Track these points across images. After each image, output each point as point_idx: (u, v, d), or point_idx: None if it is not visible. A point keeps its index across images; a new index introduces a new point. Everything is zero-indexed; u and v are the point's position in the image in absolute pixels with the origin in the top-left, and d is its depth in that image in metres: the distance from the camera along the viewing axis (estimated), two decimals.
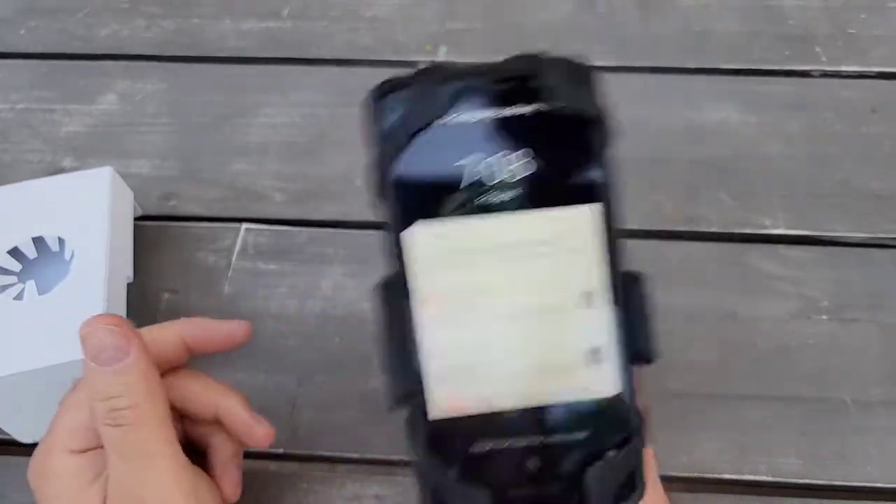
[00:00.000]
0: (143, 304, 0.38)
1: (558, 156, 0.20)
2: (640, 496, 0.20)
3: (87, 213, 0.35)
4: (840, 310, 0.37)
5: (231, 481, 0.29)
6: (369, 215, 0.41)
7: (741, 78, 0.46)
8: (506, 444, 0.20)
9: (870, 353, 0.35)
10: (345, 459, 0.33)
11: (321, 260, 0.40)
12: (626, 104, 0.45)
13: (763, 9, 0.50)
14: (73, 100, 0.47)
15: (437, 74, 0.20)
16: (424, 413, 0.20)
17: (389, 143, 0.20)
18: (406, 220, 0.21)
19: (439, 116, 0.20)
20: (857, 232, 0.40)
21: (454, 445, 0.20)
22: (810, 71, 0.47)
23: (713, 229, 0.40)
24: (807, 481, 0.32)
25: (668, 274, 0.38)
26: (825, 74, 0.46)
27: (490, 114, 0.20)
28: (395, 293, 0.20)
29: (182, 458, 0.26)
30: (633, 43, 0.48)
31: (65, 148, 0.44)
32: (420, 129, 0.20)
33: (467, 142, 0.20)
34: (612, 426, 0.20)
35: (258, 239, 0.40)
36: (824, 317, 0.37)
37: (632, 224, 0.40)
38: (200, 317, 0.30)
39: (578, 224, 0.20)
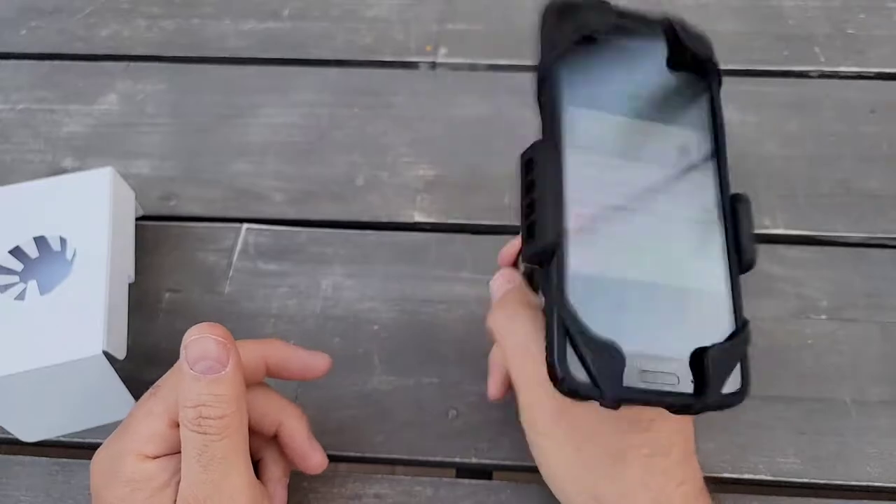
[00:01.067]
0: (144, 304, 0.38)
1: (683, 86, 0.25)
2: (745, 396, 0.22)
3: (88, 213, 0.35)
4: (839, 310, 0.37)
5: (318, 449, 0.30)
6: (369, 215, 0.42)
7: (740, 78, 0.46)
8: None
9: (869, 352, 0.35)
10: (345, 458, 0.34)
11: (321, 260, 0.40)
12: None
13: (762, 9, 0.50)
14: (74, 100, 0.47)
15: (599, 4, 0.24)
16: (564, 271, 0.21)
17: (557, 42, 0.24)
18: (562, 104, 0.23)
19: (600, 31, 0.24)
20: (857, 232, 0.40)
21: (589, 305, 0.21)
22: (809, 71, 0.47)
23: None
24: (806, 480, 0.32)
25: None
26: (824, 75, 0.47)
27: (640, 40, 0.25)
28: (548, 158, 0.22)
29: (252, 473, 0.26)
30: None
31: (65, 148, 0.44)
32: (584, 37, 0.24)
33: (618, 56, 0.24)
34: (718, 320, 0.22)
35: (258, 239, 0.41)
36: (823, 316, 0.37)
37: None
38: (280, 340, 0.30)
39: (695, 143, 0.24)
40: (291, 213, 0.42)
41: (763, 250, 0.39)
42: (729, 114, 0.44)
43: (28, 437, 0.34)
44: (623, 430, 0.26)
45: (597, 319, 0.21)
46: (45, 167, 0.44)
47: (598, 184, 0.23)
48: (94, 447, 0.34)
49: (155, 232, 0.41)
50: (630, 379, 0.21)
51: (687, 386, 0.21)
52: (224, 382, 0.25)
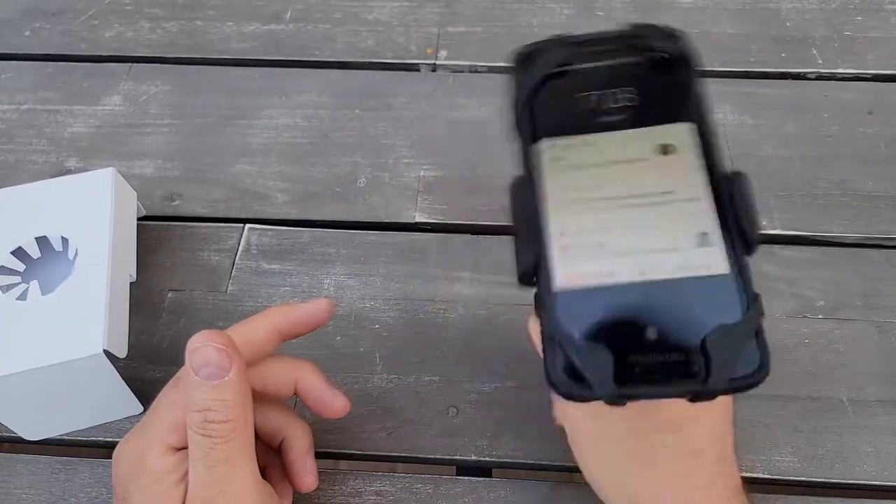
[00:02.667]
0: (146, 303, 0.38)
1: (655, 88, 0.24)
2: (765, 375, 0.21)
3: (90, 213, 0.36)
4: (836, 309, 0.37)
5: (311, 471, 0.30)
6: (370, 216, 0.42)
7: (738, 80, 0.47)
8: (627, 314, 0.22)
9: (865, 352, 0.36)
10: (346, 456, 0.34)
11: (323, 260, 0.40)
12: None
13: (760, 11, 0.50)
14: (78, 101, 0.47)
15: (562, 40, 0.25)
16: (550, 287, 0.23)
17: (526, 83, 0.25)
18: (534, 136, 0.25)
19: (566, 65, 0.25)
20: (853, 232, 0.40)
21: (579, 314, 0.22)
22: (807, 73, 0.47)
23: None
24: (803, 479, 0.32)
25: None
26: (821, 76, 0.47)
27: (604, 62, 0.25)
28: (524, 189, 0.24)
29: (258, 473, 0.27)
30: None
31: (69, 149, 0.45)
32: (550, 74, 0.24)
33: (586, 83, 0.25)
34: (725, 303, 0.22)
35: (261, 239, 0.41)
36: (820, 316, 0.37)
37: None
38: (286, 304, 0.30)
39: (676, 135, 0.24)
40: (293, 214, 0.42)
41: (760, 250, 0.40)
42: (726, 115, 0.45)
43: (30, 435, 0.34)
44: (656, 430, 0.26)
45: (591, 325, 0.22)
46: (49, 167, 0.44)
47: (583, 201, 0.24)
48: (96, 445, 0.35)
49: (158, 232, 0.41)
50: (630, 375, 0.21)
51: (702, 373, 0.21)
52: (228, 388, 0.25)
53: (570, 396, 0.21)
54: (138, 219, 0.40)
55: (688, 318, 0.22)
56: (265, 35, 0.50)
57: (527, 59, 0.25)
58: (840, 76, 0.47)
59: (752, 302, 0.22)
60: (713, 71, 0.47)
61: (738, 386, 0.21)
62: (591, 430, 0.27)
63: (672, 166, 0.24)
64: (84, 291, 0.33)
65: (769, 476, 0.33)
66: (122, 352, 0.33)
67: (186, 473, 0.26)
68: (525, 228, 0.23)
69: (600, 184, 0.24)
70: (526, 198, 0.24)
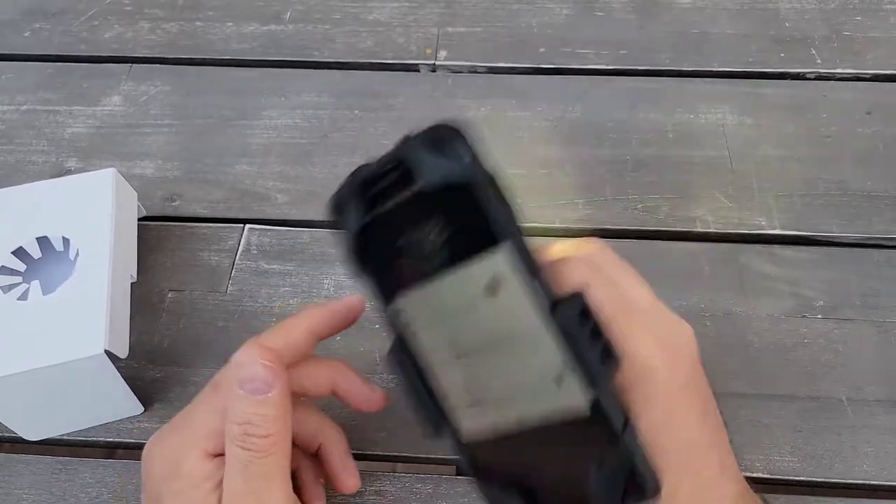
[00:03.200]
0: (147, 303, 0.38)
1: (458, 216, 0.22)
2: (654, 492, 0.21)
3: (91, 213, 0.36)
4: (835, 309, 0.37)
5: (353, 473, 0.31)
6: None
7: (737, 80, 0.47)
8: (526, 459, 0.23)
9: (864, 351, 0.36)
10: None
11: (323, 260, 0.40)
12: (623, 107, 0.46)
13: (759, 11, 0.50)
14: (78, 101, 0.47)
15: (352, 178, 0.24)
16: (458, 439, 0.24)
17: (347, 243, 0.24)
18: (386, 296, 0.24)
19: (365, 213, 0.24)
20: (852, 232, 0.40)
21: (489, 461, 0.24)
22: (806, 73, 0.47)
23: (709, 230, 0.40)
24: (802, 478, 0.32)
25: (665, 274, 0.39)
26: (820, 76, 0.47)
27: (393, 202, 0.23)
28: (401, 355, 0.25)
29: (291, 488, 0.27)
30: (631, 46, 0.49)
31: (69, 149, 0.45)
32: (356, 230, 0.24)
33: (396, 224, 0.23)
34: (599, 434, 0.21)
35: (261, 239, 0.41)
36: (819, 316, 0.37)
37: (629, 224, 0.41)
38: (317, 303, 0.31)
39: (497, 266, 0.22)
40: (293, 214, 0.42)
41: (760, 250, 0.40)
42: (726, 115, 0.45)
43: (31, 435, 0.34)
44: None
45: (503, 470, 0.23)
46: (49, 168, 0.44)
47: (446, 362, 0.24)
48: (96, 446, 0.35)
49: (158, 232, 0.41)
50: None
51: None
52: (270, 404, 0.26)
53: None
54: (138, 219, 0.40)
55: (571, 455, 0.22)
56: (265, 35, 0.50)
57: (336, 212, 0.24)
58: (839, 76, 0.47)
59: (622, 427, 0.21)
60: (712, 71, 0.47)
61: None
62: None
63: (502, 308, 0.22)
64: (85, 292, 0.33)
65: (769, 476, 0.33)
66: (123, 352, 0.33)
67: (221, 482, 0.26)
68: (415, 393, 0.24)
69: (453, 341, 0.23)
70: (405, 366, 0.24)
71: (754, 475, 0.33)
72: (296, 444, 0.30)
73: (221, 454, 0.26)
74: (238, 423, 0.25)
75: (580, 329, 0.21)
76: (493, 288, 0.22)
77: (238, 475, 0.26)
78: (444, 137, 0.22)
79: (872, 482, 0.32)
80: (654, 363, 0.23)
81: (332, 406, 0.35)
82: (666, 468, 0.24)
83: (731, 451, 0.26)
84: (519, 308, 0.21)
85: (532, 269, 0.21)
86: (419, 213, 0.23)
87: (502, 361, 0.22)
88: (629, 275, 0.25)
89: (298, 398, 0.30)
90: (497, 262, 0.21)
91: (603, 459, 0.21)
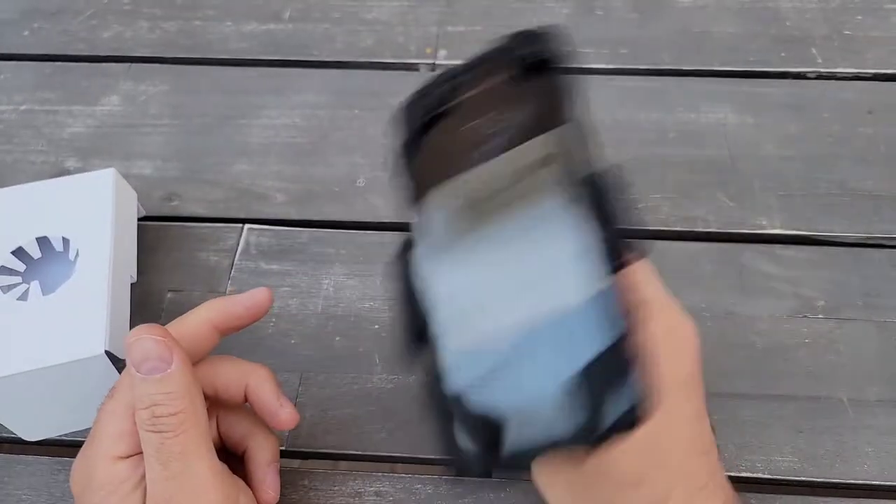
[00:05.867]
0: (146, 304, 0.38)
1: (526, 108, 0.23)
2: (645, 412, 0.20)
3: (90, 213, 0.36)
4: (836, 309, 0.37)
5: (270, 485, 0.29)
6: (370, 216, 0.42)
7: (738, 79, 0.47)
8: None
9: (866, 351, 0.36)
10: (346, 456, 0.34)
11: (322, 260, 0.40)
12: (624, 106, 0.46)
13: (760, 10, 0.50)
14: (77, 101, 0.47)
15: (444, 73, 0.24)
16: (433, 363, 0.22)
17: (408, 132, 0.24)
18: (418, 194, 0.24)
19: (441, 104, 0.23)
20: (853, 232, 0.40)
21: (472, 371, 0.21)
22: (806, 72, 0.47)
23: (710, 229, 0.40)
24: (803, 479, 0.32)
25: (666, 273, 0.38)
26: (821, 76, 0.47)
27: (469, 93, 0.23)
28: (394, 273, 0.24)
29: (218, 464, 0.26)
30: (631, 45, 0.49)
31: (68, 149, 0.45)
32: (424, 118, 0.24)
33: (461, 115, 0.23)
34: (594, 336, 0.20)
35: (260, 239, 0.41)
36: (820, 316, 0.37)
37: (629, 224, 0.41)
38: (222, 297, 0.30)
39: (554, 143, 0.22)
40: (293, 214, 0.42)
41: (761, 250, 0.40)
42: (726, 115, 0.45)
43: (30, 436, 0.34)
44: (613, 490, 0.25)
45: (480, 390, 0.21)
46: (48, 168, 0.44)
47: (463, 263, 0.22)
48: None
49: (157, 232, 0.41)
50: (514, 441, 0.20)
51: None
52: (172, 380, 0.25)
53: (464, 474, 0.22)
54: (137, 219, 0.40)
55: (568, 364, 0.20)
56: (264, 35, 0.50)
57: (407, 111, 0.24)
58: (840, 76, 0.47)
59: (622, 332, 0.20)
60: (713, 70, 0.47)
61: (613, 430, 0.19)
62: (555, 486, 0.26)
63: (538, 184, 0.22)
64: (85, 292, 0.33)
65: (769, 476, 0.33)
66: (123, 353, 0.33)
67: (143, 478, 0.25)
68: (399, 312, 0.23)
69: (482, 230, 0.22)
70: (397, 283, 0.24)
71: (755, 475, 0.33)
72: (226, 402, 0.29)
73: (132, 455, 0.26)
74: (144, 408, 0.25)
75: (608, 221, 0.21)
76: (546, 162, 0.22)
77: (155, 460, 0.25)
78: (541, 34, 0.24)
79: (873, 483, 0.32)
80: (655, 352, 0.22)
81: (333, 405, 0.35)
82: (663, 469, 0.24)
83: (718, 457, 0.26)
84: (552, 183, 0.21)
85: (580, 151, 0.22)
86: (490, 104, 0.23)
87: (513, 263, 0.21)
88: (641, 265, 0.25)
89: (225, 358, 0.29)
90: (552, 140, 0.22)
91: (586, 370, 0.20)
